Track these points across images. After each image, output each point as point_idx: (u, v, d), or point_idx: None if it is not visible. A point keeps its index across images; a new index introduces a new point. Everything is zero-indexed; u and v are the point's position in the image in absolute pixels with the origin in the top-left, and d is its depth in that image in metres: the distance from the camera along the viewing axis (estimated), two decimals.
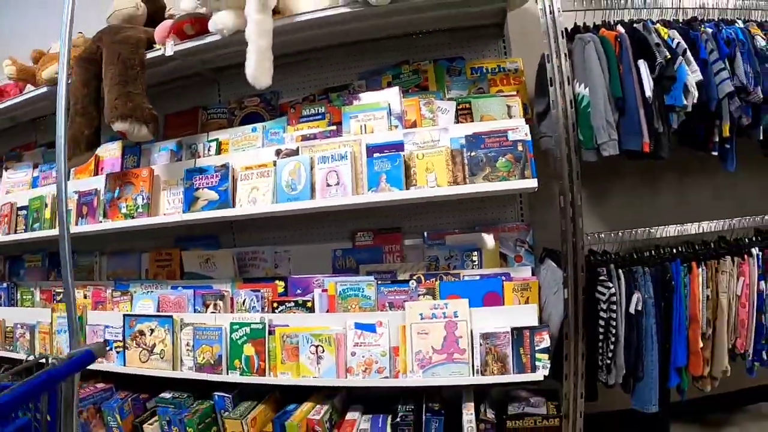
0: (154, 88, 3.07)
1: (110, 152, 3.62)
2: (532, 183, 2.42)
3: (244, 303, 3.16)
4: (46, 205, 3.47)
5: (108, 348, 3.17)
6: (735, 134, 2.51)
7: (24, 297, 3.83)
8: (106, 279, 3.64)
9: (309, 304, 2.97)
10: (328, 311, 2.89)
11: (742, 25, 2.62)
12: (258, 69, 2.40)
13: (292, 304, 3.02)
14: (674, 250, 2.68)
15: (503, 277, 2.77)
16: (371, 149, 2.76)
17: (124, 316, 3.19)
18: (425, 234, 3.08)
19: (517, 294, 2.71)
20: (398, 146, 2.77)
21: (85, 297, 3.45)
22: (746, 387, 3.02)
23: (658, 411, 2.53)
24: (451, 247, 3.04)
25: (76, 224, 3.23)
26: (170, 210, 3.16)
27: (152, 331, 3.22)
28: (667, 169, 2.98)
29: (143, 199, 3.25)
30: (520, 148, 2.48)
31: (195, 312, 3.19)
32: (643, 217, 2.94)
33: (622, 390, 2.62)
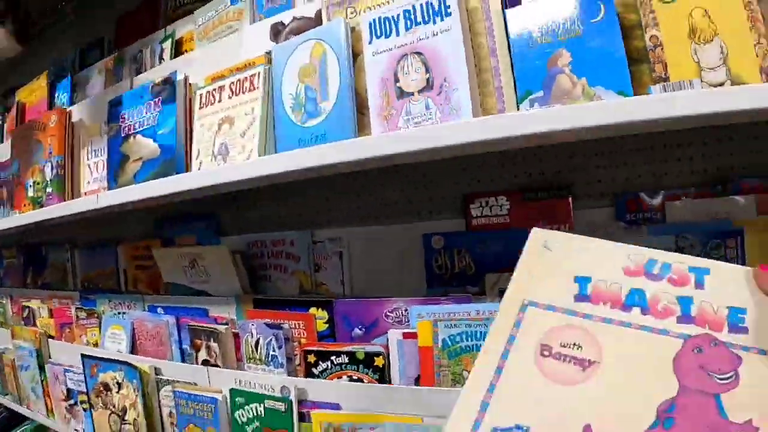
0: None
1: (34, 92, 1.92)
2: None
3: (257, 347, 1.43)
4: None
5: (73, 402, 1.95)
6: None
7: None
8: (80, 285, 2.33)
9: (378, 362, 1.22)
10: (418, 381, 1.18)
11: None
12: None
13: (345, 359, 1.26)
14: None
15: None
16: None
17: (83, 357, 1.87)
18: (620, 200, 1.20)
19: None
20: None
21: (51, 315, 2.21)
22: None
23: None
24: (679, 228, 1.12)
25: None
26: (93, 184, 1.51)
27: (119, 385, 1.75)
28: None
29: (53, 168, 1.55)
30: None
31: (182, 355, 1.66)
32: None
33: None
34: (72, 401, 1.98)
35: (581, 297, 0.57)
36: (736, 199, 1.13)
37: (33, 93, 1.91)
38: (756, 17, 0.84)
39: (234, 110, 1.08)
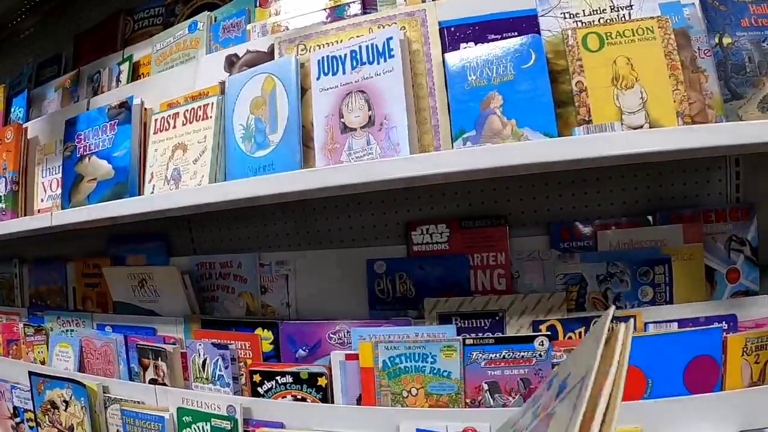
0: None
1: None
2: None
3: (204, 367, 1.44)
4: None
5: (19, 420, 1.91)
6: None
7: None
8: (29, 300, 2.24)
9: (321, 382, 1.26)
10: (359, 401, 1.21)
11: None
12: None
13: (289, 378, 1.29)
14: None
15: (723, 324, 1.08)
16: (453, 32, 0.99)
17: (30, 374, 1.82)
18: (554, 229, 1.28)
19: (747, 359, 1.04)
20: (527, 22, 0.99)
21: None
22: None
23: None
24: (609, 255, 1.23)
25: None
26: (47, 201, 1.51)
27: (66, 403, 1.71)
28: None
29: (7, 184, 1.54)
30: None
31: (129, 374, 1.64)
32: None
33: None
34: (18, 419, 1.92)
35: None
36: (663, 229, 1.20)
37: None
38: (675, 65, 0.93)
39: (187, 137, 1.11)
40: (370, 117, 0.93)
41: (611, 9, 0.98)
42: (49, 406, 1.80)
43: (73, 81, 1.64)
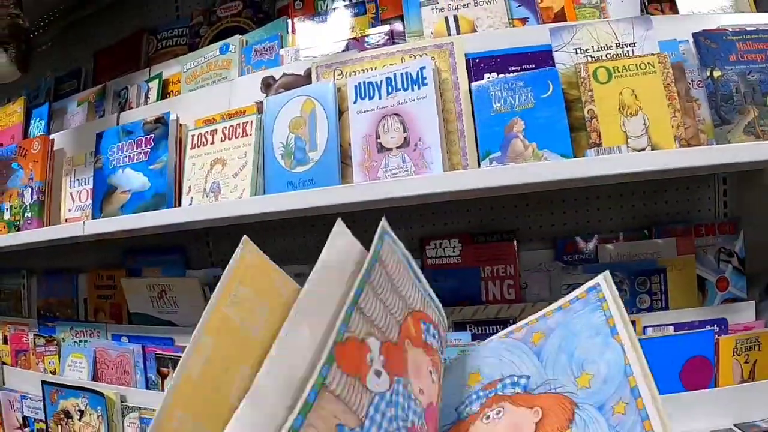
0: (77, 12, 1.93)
1: (8, 116, 1.90)
2: None
3: None
4: None
5: (29, 430, 1.92)
6: None
7: None
8: (36, 312, 2.25)
9: None
10: None
11: None
12: None
13: None
14: None
15: (715, 327, 1.18)
16: (478, 63, 1.11)
17: (43, 383, 1.81)
18: (559, 243, 1.40)
19: (738, 359, 1.14)
20: (543, 56, 1.11)
21: (5, 341, 2.12)
22: None
23: None
24: (609, 267, 1.05)
25: None
26: (75, 212, 1.54)
27: (81, 413, 1.72)
28: None
29: (33, 193, 1.57)
30: None
31: (146, 383, 1.67)
32: None
33: None
34: (28, 429, 1.93)
35: None
36: (659, 242, 1.32)
37: (8, 117, 1.91)
38: (673, 96, 1.05)
39: (226, 152, 1.19)
40: (405, 138, 1.03)
41: (617, 46, 1.11)
42: (62, 416, 1.81)
43: (99, 96, 1.71)
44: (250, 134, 1.16)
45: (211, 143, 1.22)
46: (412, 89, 1.03)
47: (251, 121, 1.17)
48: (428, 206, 1.43)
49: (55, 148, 1.62)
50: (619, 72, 1.04)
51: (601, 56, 1.10)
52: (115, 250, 1.99)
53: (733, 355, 1.14)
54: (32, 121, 1.89)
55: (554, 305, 0.72)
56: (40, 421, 1.88)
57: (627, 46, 1.11)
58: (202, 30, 1.69)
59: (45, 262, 2.24)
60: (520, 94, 1.03)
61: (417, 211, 1.45)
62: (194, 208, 1.17)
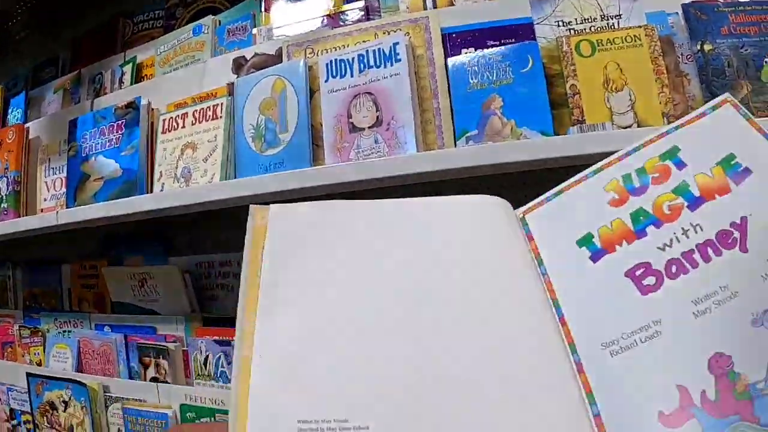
0: None
1: None
2: None
3: (206, 364, 1.47)
4: None
5: (16, 423, 1.91)
6: None
7: None
8: (23, 302, 2.23)
9: None
10: None
11: None
12: None
13: None
14: None
15: None
16: (454, 38, 1.05)
17: (28, 375, 1.80)
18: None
19: None
20: (523, 29, 1.05)
21: None
22: None
23: None
24: None
25: None
26: (51, 201, 1.49)
27: (66, 404, 1.71)
28: None
29: (9, 184, 1.55)
30: None
31: (129, 373, 1.64)
32: None
33: None
34: (15, 421, 1.93)
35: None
36: None
37: None
38: (660, 70, 1.01)
39: (197, 136, 1.16)
40: (377, 117, 0.99)
41: (601, 18, 1.06)
42: (47, 408, 1.79)
43: (74, 82, 1.67)
44: (221, 117, 1.12)
45: (182, 127, 1.19)
46: (385, 66, 0.98)
47: (222, 104, 1.13)
48: (410, 187, 1.40)
49: (30, 137, 1.59)
50: (603, 45, 1.00)
51: (585, 29, 1.05)
52: (94, 240, 1.98)
53: None
54: (10, 110, 1.86)
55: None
56: (27, 413, 1.87)
57: (612, 18, 1.06)
58: (177, 12, 1.64)
59: (29, 253, 2.21)
60: (498, 69, 0.98)
61: (399, 192, 1.41)
62: (164, 194, 1.14)
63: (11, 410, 1.96)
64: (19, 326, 2.05)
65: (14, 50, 2.11)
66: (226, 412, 1.35)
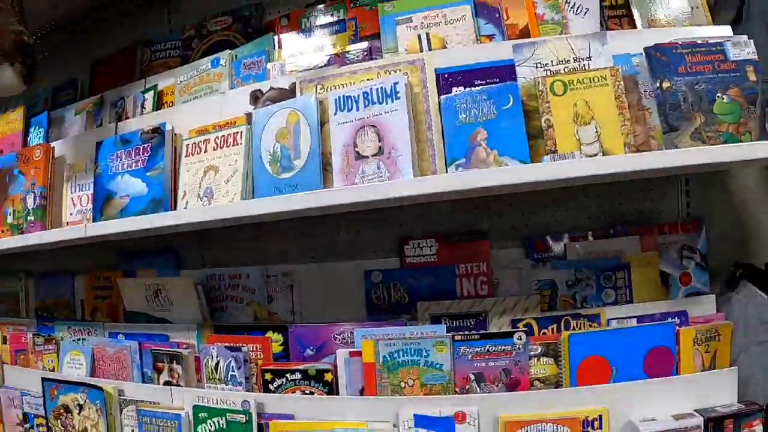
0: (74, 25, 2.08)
1: (8, 124, 2.06)
2: None
3: (216, 368, 1.62)
4: None
5: (29, 426, 2.03)
6: None
7: None
8: (34, 312, 2.38)
9: (328, 377, 1.47)
10: (362, 392, 1.42)
11: None
12: None
13: (298, 375, 1.47)
14: None
15: (676, 319, 1.32)
16: (446, 78, 1.25)
17: (43, 380, 1.94)
18: (529, 242, 1.55)
19: (699, 349, 1.27)
20: (506, 71, 1.25)
21: (4, 341, 2.24)
22: None
23: None
24: (577, 264, 1.47)
25: None
26: (76, 215, 1.68)
27: (80, 407, 1.86)
28: None
29: (35, 198, 1.70)
30: (750, 76, 1.13)
31: (143, 378, 1.80)
32: None
33: None
34: (28, 425, 2.03)
35: None
36: (623, 240, 1.45)
37: (8, 125, 2.06)
38: (623, 106, 1.18)
39: (218, 160, 1.33)
40: (380, 147, 1.17)
41: (574, 60, 1.24)
42: (62, 411, 1.92)
43: (97, 105, 1.84)
44: (240, 143, 1.30)
45: (204, 151, 1.36)
46: (387, 103, 1.17)
47: (241, 131, 1.31)
48: (406, 208, 1.58)
49: (55, 156, 1.76)
50: (573, 85, 1.17)
51: (560, 70, 1.23)
52: (109, 252, 2.12)
53: (694, 345, 1.25)
54: (31, 129, 2.03)
55: None
56: (40, 416, 1.98)
57: (583, 60, 1.24)
58: (193, 43, 1.83)
59: (41, 265, 2.36)
60: (484, 106, 1.17)
61: (396, 213, 1.59)
62: (190, 210, 1.31)
63: (24, 414, 2.07)
64: (33, 334, 2.19)
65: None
66: (237, 412, 1.50)
